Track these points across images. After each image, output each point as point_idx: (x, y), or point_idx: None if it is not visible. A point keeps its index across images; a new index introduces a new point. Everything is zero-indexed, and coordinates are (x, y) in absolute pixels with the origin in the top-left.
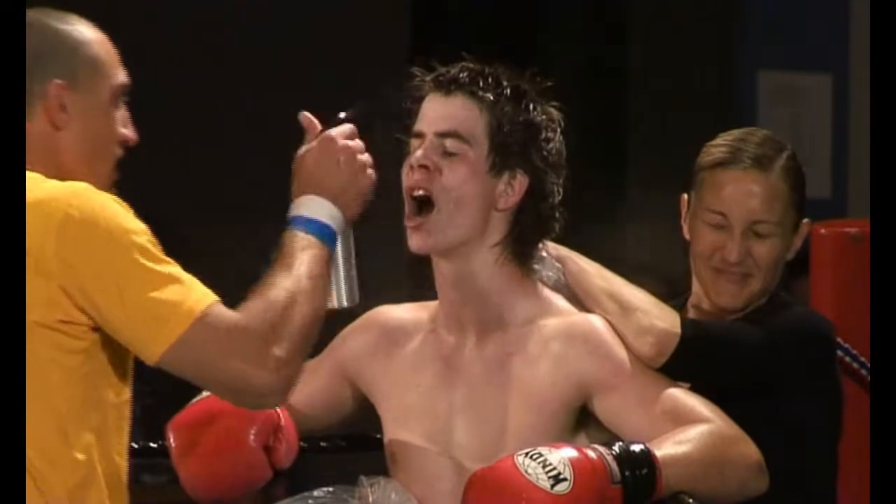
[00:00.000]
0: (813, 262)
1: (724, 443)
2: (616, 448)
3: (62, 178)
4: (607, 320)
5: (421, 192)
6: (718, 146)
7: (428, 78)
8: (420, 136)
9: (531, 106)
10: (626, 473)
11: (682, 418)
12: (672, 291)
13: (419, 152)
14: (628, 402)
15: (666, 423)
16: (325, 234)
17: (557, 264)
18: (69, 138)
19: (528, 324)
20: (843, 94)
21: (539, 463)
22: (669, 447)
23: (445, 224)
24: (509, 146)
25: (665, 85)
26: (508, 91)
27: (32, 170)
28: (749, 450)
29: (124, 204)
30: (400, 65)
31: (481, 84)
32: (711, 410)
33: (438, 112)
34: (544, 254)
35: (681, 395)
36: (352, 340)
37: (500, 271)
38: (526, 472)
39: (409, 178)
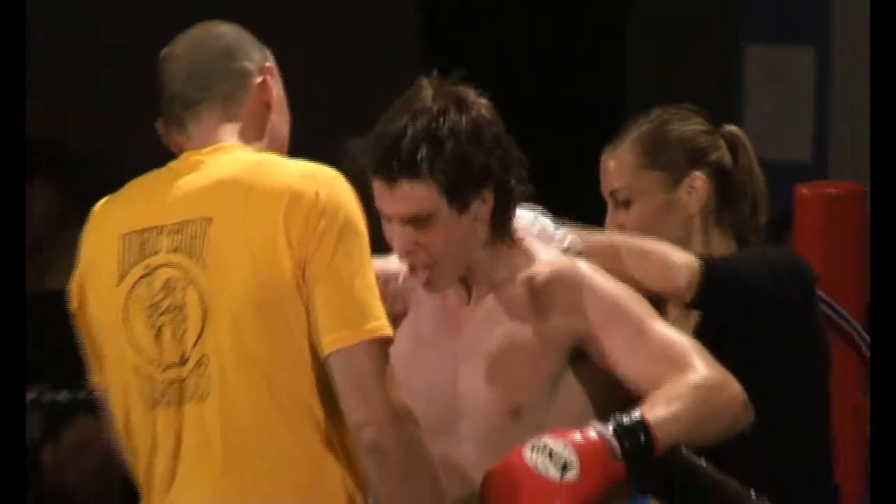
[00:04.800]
0: (796, 220)
1: (711, 392)
2: (613, 424)
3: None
4: (612, 262)
5: (420, 269)
6: None
7: (361, 160)
8: (387, 217)
9: (462, 139)
10: (626, 445)
11: (671, 359)
12: None
13: (397, 243)
14: (618, 345)
15: (655, 365)
16: None
17: (565, 236)
18: (275, 119)
19: (521, 277)
20: (824, 66)
21: (545, 455)
22: (661, 409)
23: (449, 271)
24: (464, 189)
25: (664, 61)
26: (438, 145)
27: (245, 142)
28: (734, 391)
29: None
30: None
31: (416, 164)
32: (696, 351)
33: (393, 200)
34: (552, 229)
35: (668, 334)
36: None
37: (491, 253)
38: (535, 466)
39: (398, 254)
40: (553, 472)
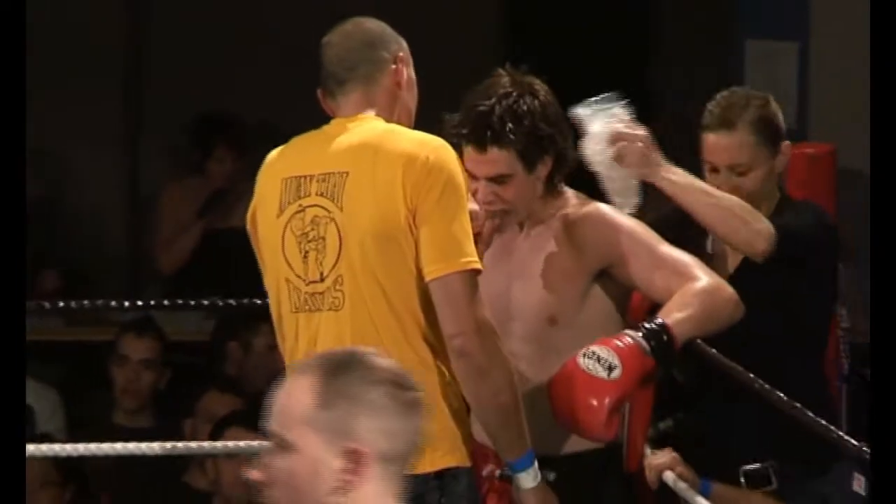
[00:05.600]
0: (785, 171)
1: (713, 295)
2: (643, 329)
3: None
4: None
5: (495, 212)
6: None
7: (454, 129)
8: (475, 177)
9: (535, 116)
10: (653, 344)
11: (678, 273)
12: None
13: (480, 196)
14: (643, 266)
15: (667, 279)
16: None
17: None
18: (404, 96)
19: (559, 212)
20: (804, 57)
21: (594, 360)
22: (676, 313)
23: (515, 217)
24: (534, 154)
25: (682, 52)
26: (518, 121)
27: (380, 114)
28: (729, 292)
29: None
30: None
31: (501, 134)
32: (698, 266)
33: (482, 163)
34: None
35: (674, 254)
36: None
37: (543, 200)
38: (587, 369)
39: (480, 204)
40: (602, 373)
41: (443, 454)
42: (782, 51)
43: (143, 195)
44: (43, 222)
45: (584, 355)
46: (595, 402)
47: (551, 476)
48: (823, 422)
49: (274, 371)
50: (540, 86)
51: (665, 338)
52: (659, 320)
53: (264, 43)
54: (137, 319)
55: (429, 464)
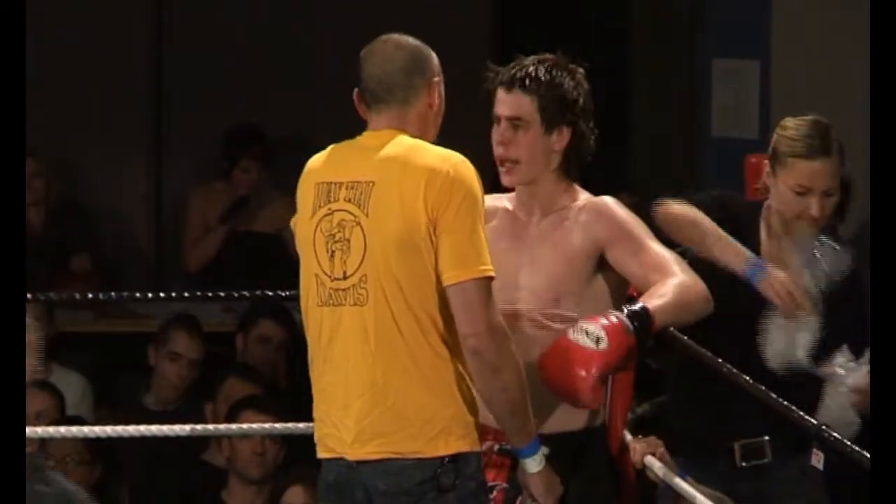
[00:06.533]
0: (747, 178)
1: (688, 289)
2: (626, 310)
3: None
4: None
5: (507, 159)
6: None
7: (494, 76)
8: (497, 118)
9: (564, 84)
10: (636, 324)
11: (662, 267)
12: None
13: (497, 138)
14: (628, 253)
15: (649, 271)
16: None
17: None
18: (433, 116)
19: (568, 206)
20: (766, 74)
21: (583, 333)
22: (655, 300)
23: (524, 171)
24: (553, 115)
25: (658, 71)
26: (548, 78)
27: (406, 132)
28: (701, 288)
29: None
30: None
31: (529, 81)
32: (677, 263)
33: (506, 103)
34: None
35: (661, 251)
36: None
37: (556, 183)
38: (577, 341)
39: (496, 147)
40: (590, 344)
41: (456, 439)
42: (745, 68)
43: (167, 201)
44: (75, 223)
45: (574, 331)
46: (584, 372)
47: (545, 450)
48: (784, 402)
49: (287, 360)
50: (580, 74)
51: (646, 320)
52: (641, 304)
53: (293, 65)
54: (184, 316)
55: (444, 447)
